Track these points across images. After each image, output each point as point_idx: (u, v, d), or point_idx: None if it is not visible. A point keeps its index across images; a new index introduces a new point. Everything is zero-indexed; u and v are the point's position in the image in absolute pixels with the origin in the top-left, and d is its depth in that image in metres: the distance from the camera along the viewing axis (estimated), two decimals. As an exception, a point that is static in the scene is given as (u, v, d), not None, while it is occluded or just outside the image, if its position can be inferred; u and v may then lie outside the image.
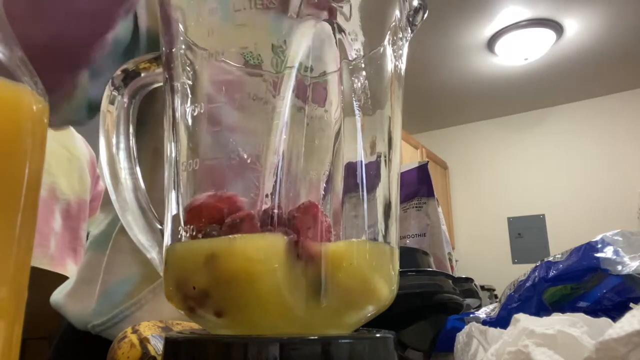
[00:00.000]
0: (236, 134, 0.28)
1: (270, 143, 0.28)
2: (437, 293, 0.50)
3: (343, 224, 0.28)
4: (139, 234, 0.32)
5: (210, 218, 0.26)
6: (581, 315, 0.31)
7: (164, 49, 0.31)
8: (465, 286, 0.64)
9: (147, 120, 0.57)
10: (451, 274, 0.69)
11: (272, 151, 0.28)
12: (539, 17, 2.83)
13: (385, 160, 0.30)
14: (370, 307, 0.28)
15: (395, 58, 0.31)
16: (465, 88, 3.70)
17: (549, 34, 2.95)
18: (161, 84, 0.32)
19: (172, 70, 0.30)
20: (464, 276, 0.68)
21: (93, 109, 0.54)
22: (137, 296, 0.55)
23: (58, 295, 0.63)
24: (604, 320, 0.30)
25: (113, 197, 0.32)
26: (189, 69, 0.30)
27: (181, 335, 0.26)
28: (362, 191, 0.28)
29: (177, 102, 0.30)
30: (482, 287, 3.26)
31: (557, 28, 2.91)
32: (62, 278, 0.84)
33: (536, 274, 0.43)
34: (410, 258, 0.60)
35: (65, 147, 1.14)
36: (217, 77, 0.29)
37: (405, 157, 3.59)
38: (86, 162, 1.24)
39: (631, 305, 0.36)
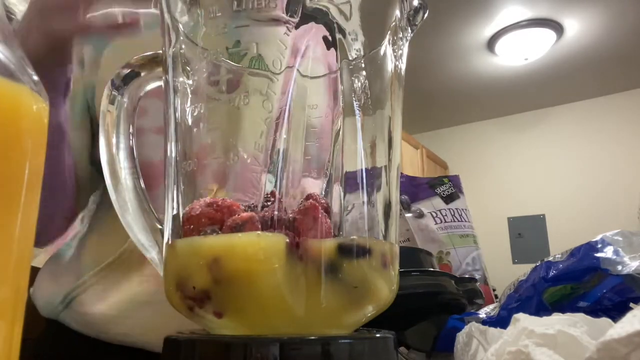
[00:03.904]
0: (236, 134, 0.29)
1: (270, 143, 0.28)
2: (440, 293, 0.50)
3: (343, 224, 0.28)
4: (139, 234, 0.32)
5: (210, 227, 0.26)
6: (581, 315, 0.31)
7: (164, 49, 0.31)
8: (469, 286, 0.64)
9: None
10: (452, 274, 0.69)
11: (273, 151, 0.28)
12: (539, 17, 2.82)
13: (385, 161, 0.30)
14: (370, 307, 0.27)
15: (395, 58, 0.31)
16: (465, 88, 3.70)
17: (549, 34, 2.95)
18: (161, 84, 0.32)
19: (172, 70, 0.30)
20: (467, 276, 0.68)
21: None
22: (82, 278, 0.54)
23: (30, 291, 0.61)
24: (604, 320, 0.30)
25: (113, 197, 0.32)
26: (189, 69, 0.30)
27: (181, 335, 0.26)
28: (363, 192, 0.28)
29: (177, 102, 0.30)
30: (482, 287, 3.24)
31: (557, 28, 2.91)
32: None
33: (536, 274, 0.43)
34: (413, 258, 0.60)
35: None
36: (217, 77, 0.29)
37: (405, 157, 3.59)
38: None
39: (631, 305, 0.36)
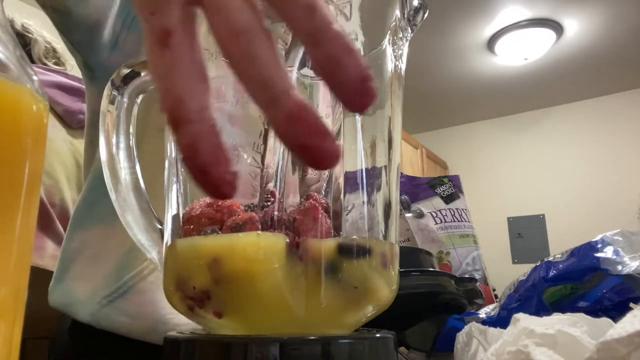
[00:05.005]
0: (236, 134, 0.28)
1: (270, 143, 0.28)
2: (440, 293, 0.50)
3: (343, 224, 0.28)
4: (139, 234, 0.32)
5: (210, 227, 0.26)
6: (581, 315, 0.31)
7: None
8: (469, 286, 0.64)
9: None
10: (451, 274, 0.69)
11: (273, 151, 0.28)
12: (538, 17, 2.82)
13: (385, 161, 0.30)
14: (370, 307, 0.27)
15: (395, 58, 0.31)
16: (465, 88, 3.70)
17: (548, 34, 2.95)
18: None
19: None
20: (467, 276, 0.68)
21: (88, 69, 0.55)
22: (139, 266, 0.51)
23: (57, 292, 0.57)
24: (604, 320, 0.30)
25: (113, 197, 0.32)
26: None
27: (181, 335, 0.26)
28: (363, 192, 0.28)
29: (177, 102, 0.29)
30: (482, 287, 3.24)
31: (557, 28, 2.91)
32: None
33: (536, 274, 0.43)
34: (413, 258, 0.60)
35: (77, 151, 1.11)
36: (217, 76, 0.29)
37: (405, 157, 3.59)
38: None
39: (631, 305, 0.36)
